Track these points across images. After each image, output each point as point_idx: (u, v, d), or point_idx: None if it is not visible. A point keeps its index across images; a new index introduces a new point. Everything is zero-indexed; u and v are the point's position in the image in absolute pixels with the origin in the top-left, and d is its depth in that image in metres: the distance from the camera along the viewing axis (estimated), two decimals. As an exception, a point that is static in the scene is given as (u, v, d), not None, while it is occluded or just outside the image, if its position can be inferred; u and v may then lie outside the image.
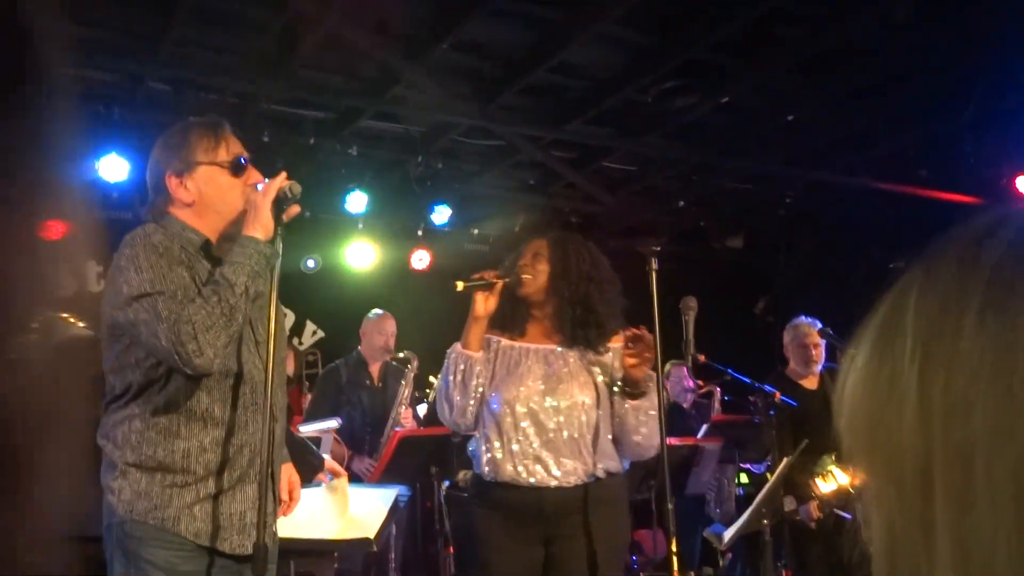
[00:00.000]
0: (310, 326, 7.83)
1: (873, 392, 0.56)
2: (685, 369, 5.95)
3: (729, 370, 4.36)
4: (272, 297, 2.16)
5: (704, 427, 5.66)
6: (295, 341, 7.54)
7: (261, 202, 2.15)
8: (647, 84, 5.72)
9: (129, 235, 2.14)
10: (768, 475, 4.07)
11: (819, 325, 4.61)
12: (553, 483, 2.69)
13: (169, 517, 2.08)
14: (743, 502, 4.97)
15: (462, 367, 2.77)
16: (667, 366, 6.14)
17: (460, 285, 2.76)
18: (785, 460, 3.47)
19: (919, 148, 6.82)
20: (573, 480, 2.70)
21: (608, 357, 2.85)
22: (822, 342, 4.58)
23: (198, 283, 2.11)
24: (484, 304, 2.77)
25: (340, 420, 4.71)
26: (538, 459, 2.69)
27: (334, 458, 4.46)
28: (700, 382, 6.42)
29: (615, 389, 2.80)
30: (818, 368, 4.57)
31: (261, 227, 2.13)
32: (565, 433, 2.71)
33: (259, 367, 2.21)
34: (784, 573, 4.27)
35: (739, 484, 5.57)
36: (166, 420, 2.10)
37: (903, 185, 7.09)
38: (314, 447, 3.78)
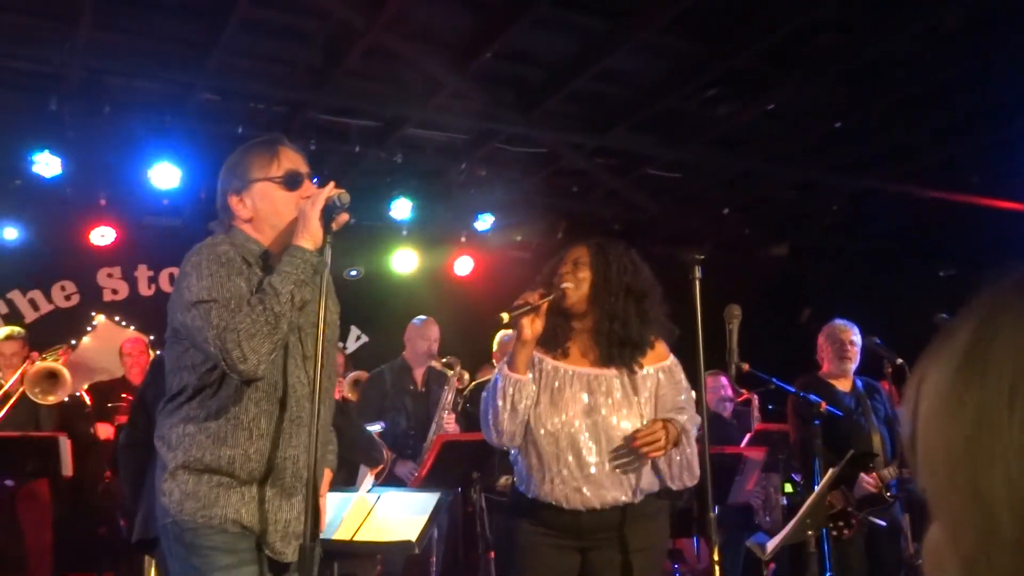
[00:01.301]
0: (354, 331, 7.92)
1: (955, 428, 0.50)
2: (724, 378, 5.90)
3: (774, 379, 4.31)
4: (321, 310, 2.17)
5: (747, 436, 5.62)
6: (339, 345, 7.63)
7: (310, 211, 2.19)
8: (691, 92, 5.70)
9: (198, 244, 2.24)
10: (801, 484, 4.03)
11: (855, 328, 4.54)
12: (590, 507, 2.70)
13: (216, 515, 2.15)
14: (788, 512, 4.92)
15: (511, 391, 2.71)
16: (704, 375, 6.07)
17: (506, 317, 2.68)
18: (831, 471, 3.43)
19: (969, 156, 6.70)
20: (611, 505, 2.70)
21: (649, 381, 2.79)
22: (857, 342, 4.50)
23: (252, 292, 2.18)
24: (531, 328, 2.70)
25: (384, 424, 4.76)
26: (579, 491, 2.69)
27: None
28: (744, 392, 6.37)
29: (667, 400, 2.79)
30: (852, 368, 4.50)
31: (310, 236, 2.18)
32: (607, 466, 2.69)
33: (304, 382, 2.26)
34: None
35: (784, 494, 5.51)
36: (216, 426, 2.17)
37: (953, 193, 6.97)
38: (379, 442, 3.85)
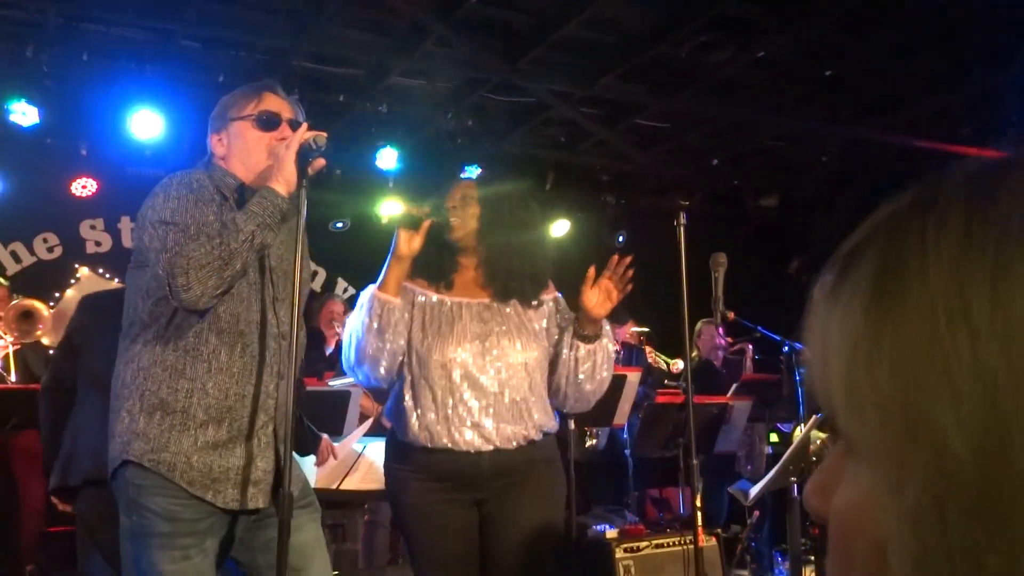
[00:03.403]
0: (341, 283, 7.88)
1: (883, 372, 0.44)
2: (717, 327, 5.91)
3: (759, 327, 4.32)
4: (297, 254, 2.16)
5: (734, 386, 5.64)
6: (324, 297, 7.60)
7: (284, 155, 2.15)
8: (681, 39, 5.61)
9: (171, 174, 2.22)
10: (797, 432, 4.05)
11: None
12: (491, 447, 2.50)
13: (165, 461, 2.08)
14: (772, 461, 4.96)
15: (378, 311, 2.48)
16: (698, 324, 6.09)
17: (385, 219, 2.61)
18: (814, 418, 3.45)
19: (962, 105, 6.65)
20: (511, 445, 2.52)
21: (543, 311, 2.65)
22: None
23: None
24: (408, 243, 2.49)
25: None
26: (477, 425, 2.49)
27: (363, 412, 4.51)
28: (730, 339, 6.38)
29: (568, 332, 2.60)
30: None
31: (284, 180, 2.14)
32: (507, 397, 2.51)
33: (272, 321, 2.22)
34: (812, 531, 4.26)
35: (769, 443, 5.55)
36: (173, 357, 2.12)
37: (944, 143, 6.93)
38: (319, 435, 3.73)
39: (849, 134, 7.22)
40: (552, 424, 2.62)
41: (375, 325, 2.47)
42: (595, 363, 2.57)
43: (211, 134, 2.32)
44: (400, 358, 2.55)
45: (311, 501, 2.30)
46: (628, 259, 2.52)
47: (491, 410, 2.50)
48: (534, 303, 2.63)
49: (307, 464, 3.59)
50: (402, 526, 2.64)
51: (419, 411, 2.52)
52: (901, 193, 0.50)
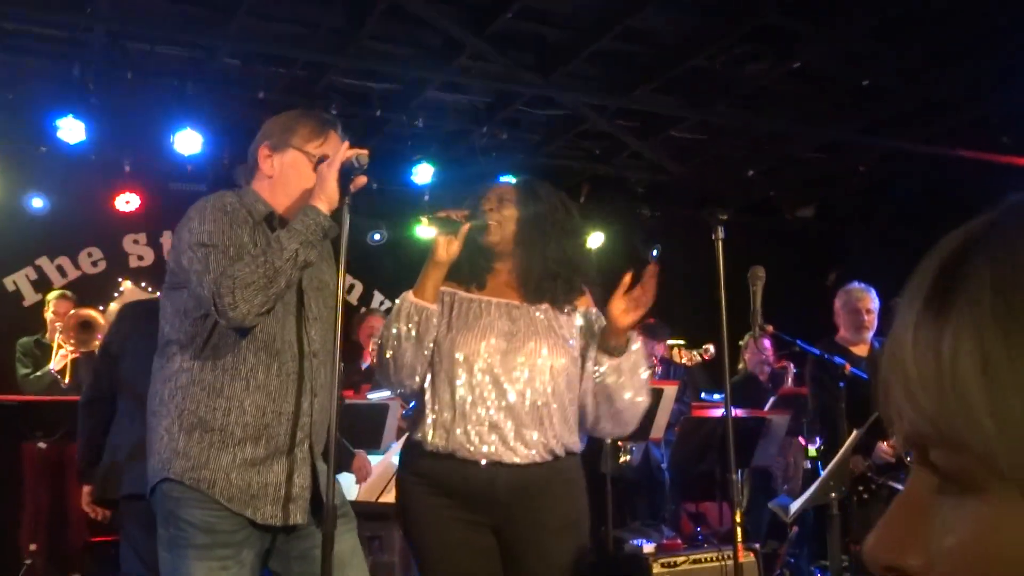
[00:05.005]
0: (378, 296, 7.94)
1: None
2: (766, 341, 5.83)
3: (798, 341, 4.27)
4: (341, 271, 2.21)
5: (771, 399, 5.60)
6: (361, 311, 7.65)
7: (327, 173, 2.19)
8: (716, 50, 5.60)
9: (204, 197, 2.26)
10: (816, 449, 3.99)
11: (873, 293, 4.45)
12: (508, 458, 2.34)
13: (205, 479, 2.11)
14: (811, 475, 4.90)
15: (416, 319, 2.36)
16: (746, 337, 6.04)
17: (425, 220, 2.48)
18: (854, 433, 3.40)
19: (1001, 114, 6.55)
20: (530, 457, 2.36)
21: (574, 318, 2.52)
22: (875, 308, 4.40)
23: (255, 247, 2.19)
24: (447, 248, 2.38)
25: (406, 388, 4.78)
26: (495, 427, 2.34)
27: (401, 426, 4.53)
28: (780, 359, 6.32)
29: (593, 347, 2.46)
30: (869, 335, 4.40)
31: (326, 198, 2.18)
32: (528, 400, 2.36)
33: (306, 340, 2.26)
34: (852, 547, 4.19)
35: (808, 457, 5.49)
36: (212, 376, 2.16)
37: (984, 153, 6.83)
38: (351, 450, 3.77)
39: (887, 144, 7.14)
40: (574, 442, 2.47)
41: (414, 333, 2.36)
42: (618, 380, 2.41)
43: (263, 146, 2.31)
44: None
45: (347, 511, 2.33)
46: (648, 279, 2.39)
47: (511, 411, 2.36)
48: (566, 309, 2.51)
49: (345, 479, 3.63)
50: (411, 542, 2.49)
51: (436, 407, 2.38)
52: (989, 207, 0.48)
